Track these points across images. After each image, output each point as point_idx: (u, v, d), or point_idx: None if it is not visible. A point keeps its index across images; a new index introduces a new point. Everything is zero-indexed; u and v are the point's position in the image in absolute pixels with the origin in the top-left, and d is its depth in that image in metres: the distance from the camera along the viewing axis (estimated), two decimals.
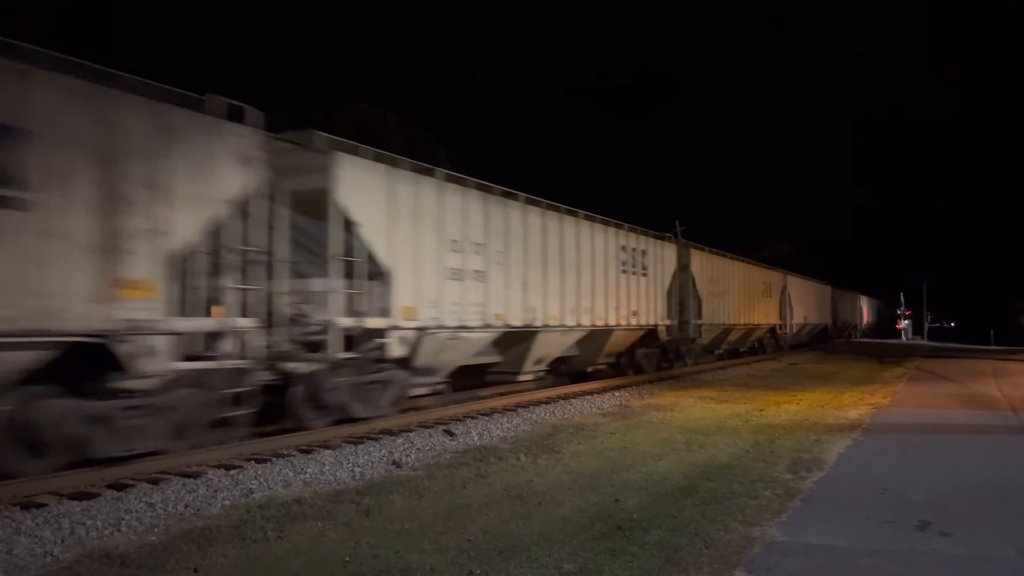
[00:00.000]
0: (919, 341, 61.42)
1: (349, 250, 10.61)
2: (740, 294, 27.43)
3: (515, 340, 14.45)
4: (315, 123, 10.28)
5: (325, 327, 10.28)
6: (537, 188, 15.58)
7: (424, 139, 34.12)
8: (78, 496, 7.07)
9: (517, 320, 14.00)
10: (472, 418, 12.31)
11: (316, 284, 10.48)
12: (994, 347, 47.82)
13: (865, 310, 67.58)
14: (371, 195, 10.87)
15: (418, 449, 9.76)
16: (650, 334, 20.06)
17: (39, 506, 6.72)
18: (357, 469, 8.56)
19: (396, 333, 11.21)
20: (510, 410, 13.31)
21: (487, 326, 13.16)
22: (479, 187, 13.57)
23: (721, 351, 27.33)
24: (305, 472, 8.30)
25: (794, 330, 36.68)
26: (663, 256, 20.85)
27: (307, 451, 9.33)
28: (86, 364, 7.58)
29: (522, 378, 15.34)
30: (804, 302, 39.01)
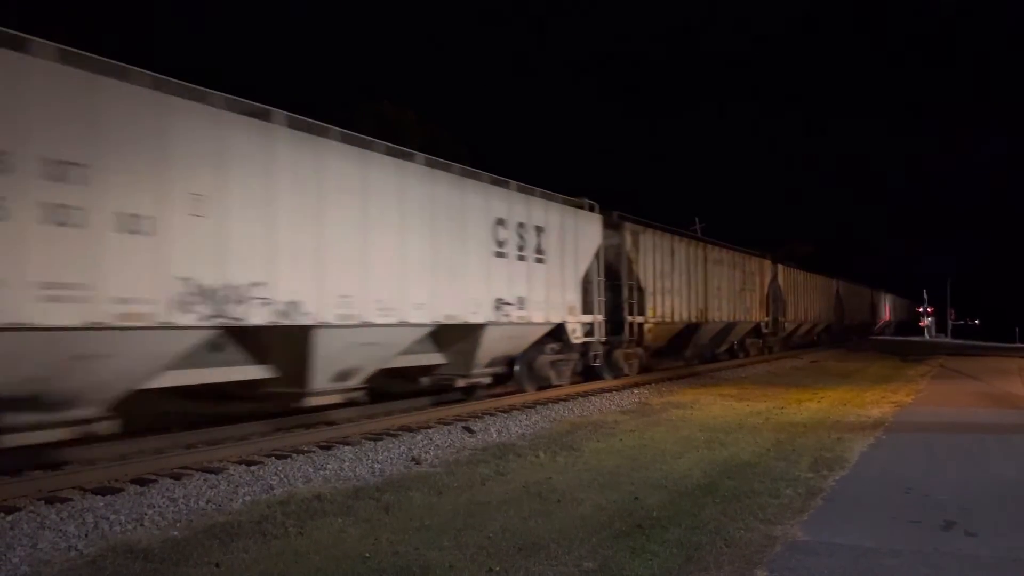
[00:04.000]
0: (943, 339, 60.81)
1: (629, 276, 18.22)
2: (807, 298, 35.06)
3: (689, 330, 21.95)
4: (336, 120, 10.47)
5: (621, 321, 17.85)
6: (553, 182, 15.84)
7: (445, 137, 34.13)
8: (102, 491, 7.15)
9: (695, 317, 21.88)
10: (491, 415, 12.31)
11: (618, 296, 17.96)
12: (1019, 345, 47.21)
13: (889, 308, 66.99)
14: (635, 245, 18.57)
15: (437, 446, 9.78)
16: (756, 328, 27.95)
17: (63, 500, 6.80)
18: (377, 466, 8.58)
19: (647, 325, 18.78)
20: (529, 407, 13.30)
21: (682, 320, 21.03)
22: (674, 232, 21.27)
23: (794, 342, 34.10)
24: (325, 468, 8.34)
25: (844, 325, 44.59)
26: (762, 268, 28.60)
27: (327, 447, 9.37)
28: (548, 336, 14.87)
29: (683, 357, 22.75)
30: (851, 303, 47.46)
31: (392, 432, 10.47)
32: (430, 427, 10.98)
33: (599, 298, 16.26)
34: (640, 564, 5.22)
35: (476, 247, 12.38)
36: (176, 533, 6.06)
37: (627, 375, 18.13)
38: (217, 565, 5.30)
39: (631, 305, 18.01)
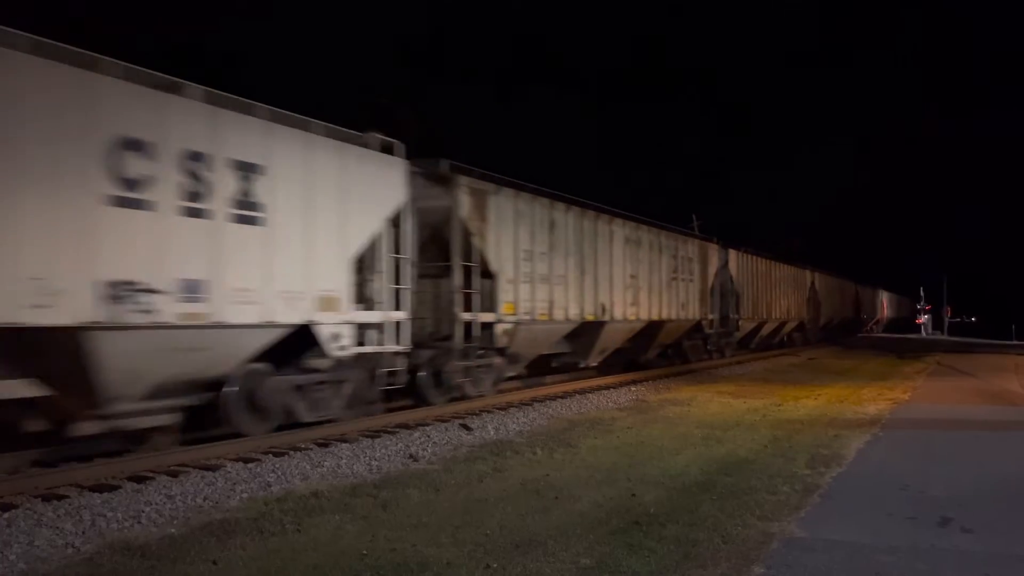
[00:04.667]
0: (939, 336, 60.93)
1: (468, 256, 12.72)
2: (772, 291, 29.30)
3: (585, 331, 16.29)
4: (331, 117, 10.38)
5: (451, 320, 12.59)
6: (551, 181, 15.72)
7: (442, 134, 34.09)
8: (99, 488, 7.13)
9: (590, 314, 16.11)
10: (488, 412, 12.31)
11: (445, 284, 12.80)
12: (1016, 342, 47.36)
13: (885, 305, 67.04)
14: (479, 211, 13.04)
15: (434, 443, 9.78)
16: (696, 327, 22.35)
17: (60, 498, 6.78)
18: (374, 463, 8.58)
19: (501, 326, 13.35)
20: (526, 404, 13.30)
21: (567, 319, 15.34)
22: (556, 197, 15.50)
23: (755, 344, 28.73)
24: (322, 465, 8.34)
25: (821, 324, 38.59)
26: (704, 254, 22.96)
27: (324, 444, 9.37)
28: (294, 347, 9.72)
29: (584, 365, 17.31)
30: (830, 298, 41.33)
31: (389, 429, 10.47)
32: (427, 424, 10.97)
33: (393, 286, 11.04)
34: (637, 561, 5.23)
35: (49, 184, 6.97)
36: (173, 530, 6.05)
37: (475, 396, 12.94)
38: (215, 562, 5.30)
39: (468, 298, 12.66)
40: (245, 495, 7.13)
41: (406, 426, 10.75)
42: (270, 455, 8.70)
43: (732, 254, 25.24)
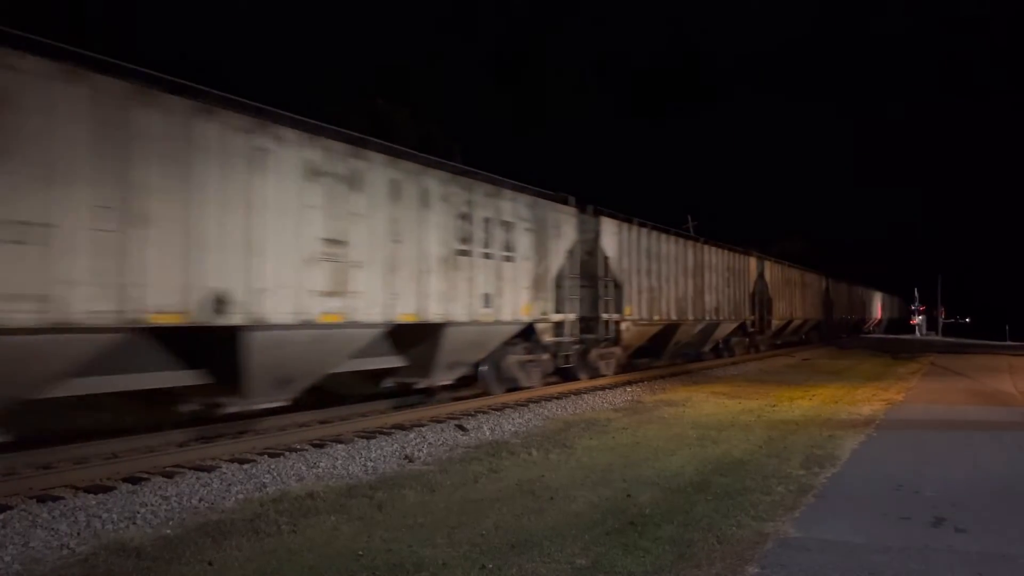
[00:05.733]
0: (933, 337, 61.13)
1: None
2: (688, 282, 21.40)
3: (200, 343, 8.69)
4: (329, 117, 10.35)
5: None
6: (547, 182, 15.49)
7: (439, 134, 34.06)
8: (94, 489, 7.13)
9: (173, 312, 7.85)
10: (484, 413, 12.32)
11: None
12: (1010, 343, 47.55)
13: (879, 306, 67.21)
14: None
15: (430, 444, 9.78)
16: (526, 334, 14.35)
17: (55, 499, 6.78)
18: (369, 463, 8.58)
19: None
20: (522, 405, 13.31)
21: (67, 323, 7.11)
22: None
23: (667, 356, 21.63)
24: (318, 466, 8.34)
25: (773, 327, 30.41)
26: (548, 223, 14.78)
27: (320, 445, 9.37)
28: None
29: (237, 409, 9.13)
30: (787, 294, 32.73)
31: (385, 430, 10.47)
32: (423, 425, 10.99)
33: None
34: (632, 561, 5.25)
35: None
36: (169, 531, 6.05)
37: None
38: (210, 563, 5.30)
39: None
40: (241, 496, 7.13)
41: (402, 427, 10.76)
42: (265, 456, 8.70)
43: (609, 225, 17.10)
